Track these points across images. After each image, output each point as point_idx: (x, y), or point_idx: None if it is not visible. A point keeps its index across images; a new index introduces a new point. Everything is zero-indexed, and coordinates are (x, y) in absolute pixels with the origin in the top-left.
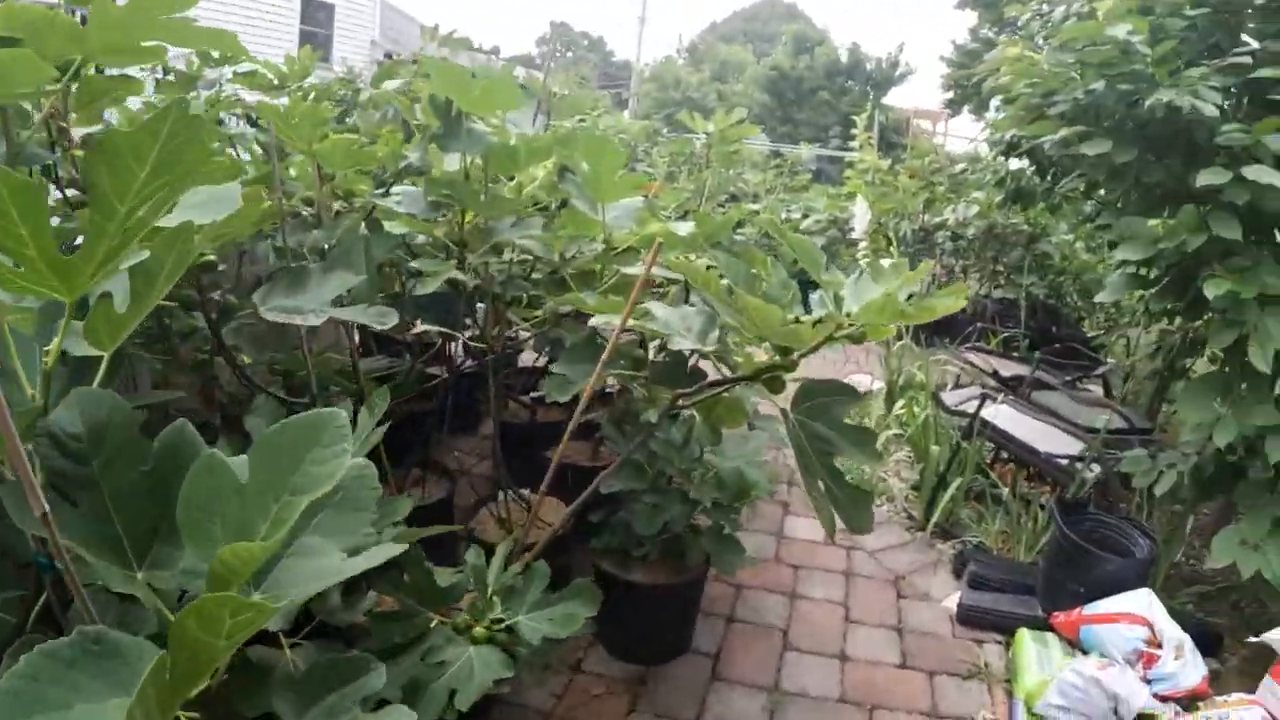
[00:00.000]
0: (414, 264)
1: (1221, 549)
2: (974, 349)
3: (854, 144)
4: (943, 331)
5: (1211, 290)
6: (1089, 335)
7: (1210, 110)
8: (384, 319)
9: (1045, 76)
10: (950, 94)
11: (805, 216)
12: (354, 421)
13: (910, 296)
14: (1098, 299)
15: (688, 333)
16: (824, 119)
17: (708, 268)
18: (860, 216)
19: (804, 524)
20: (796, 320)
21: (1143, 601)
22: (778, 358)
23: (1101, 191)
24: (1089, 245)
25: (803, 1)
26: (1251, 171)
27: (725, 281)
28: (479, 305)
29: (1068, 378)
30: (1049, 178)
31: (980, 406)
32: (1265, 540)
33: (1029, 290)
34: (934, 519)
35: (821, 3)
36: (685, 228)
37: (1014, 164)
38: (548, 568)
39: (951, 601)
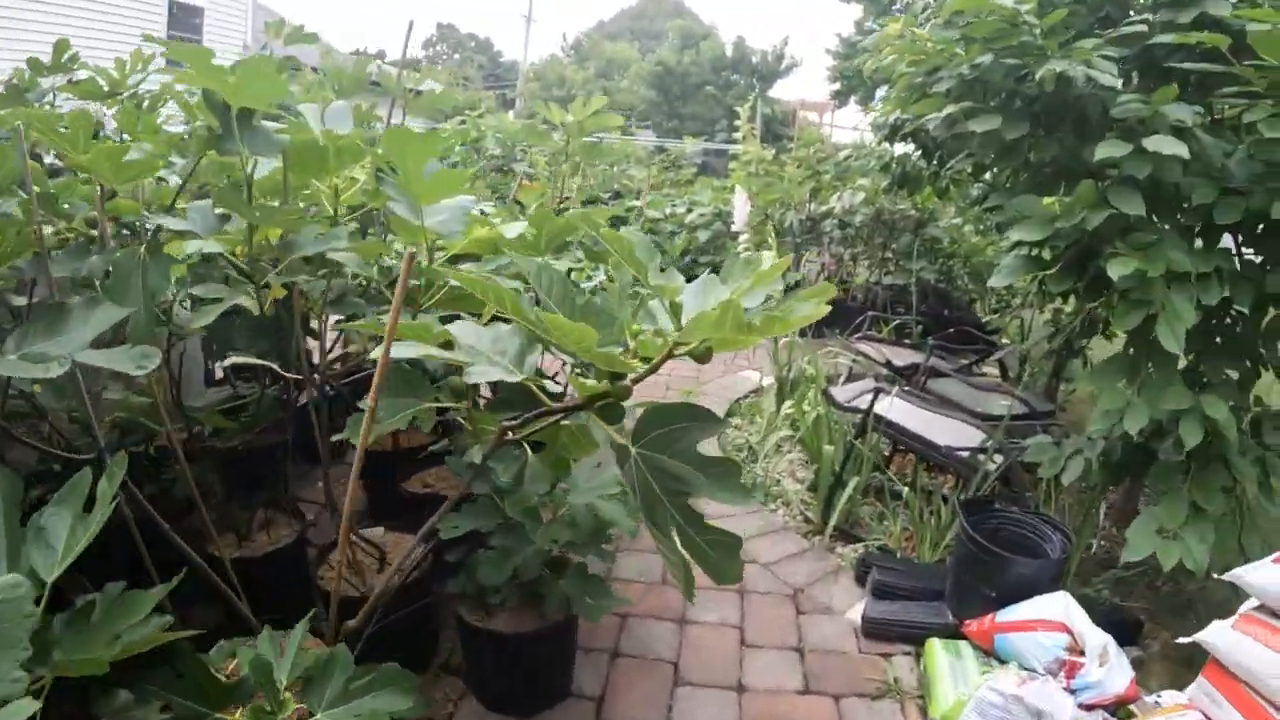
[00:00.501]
0: (196, 290)
1: (1138, 540)
2: (866, 338)
3: (738, 136)
4: (834, 321)
5: (1116, 270)
6: (982, 318)
7: (1108, 80)
8: (145, 362)
9: (929, 54)
10: (836, 85)
11: (690, 211)
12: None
13: (768, 299)
14: (990, 283)
15: (500, 357)
16: (710, 113)
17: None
18: (740, 208)
19: None
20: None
21: (1059, 606)
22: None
23: (990, 173)
24: (977, 228)
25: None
26: (1152, 142)
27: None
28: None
29: (964, 362)
30: (935, 160)
31: (874, 401)
32: (1184, 528)
33: (919, 275)
34: (832, 522)
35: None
36: (515, 229)
37: (900, 148)
38: (349, 654)
39: (855, 613)
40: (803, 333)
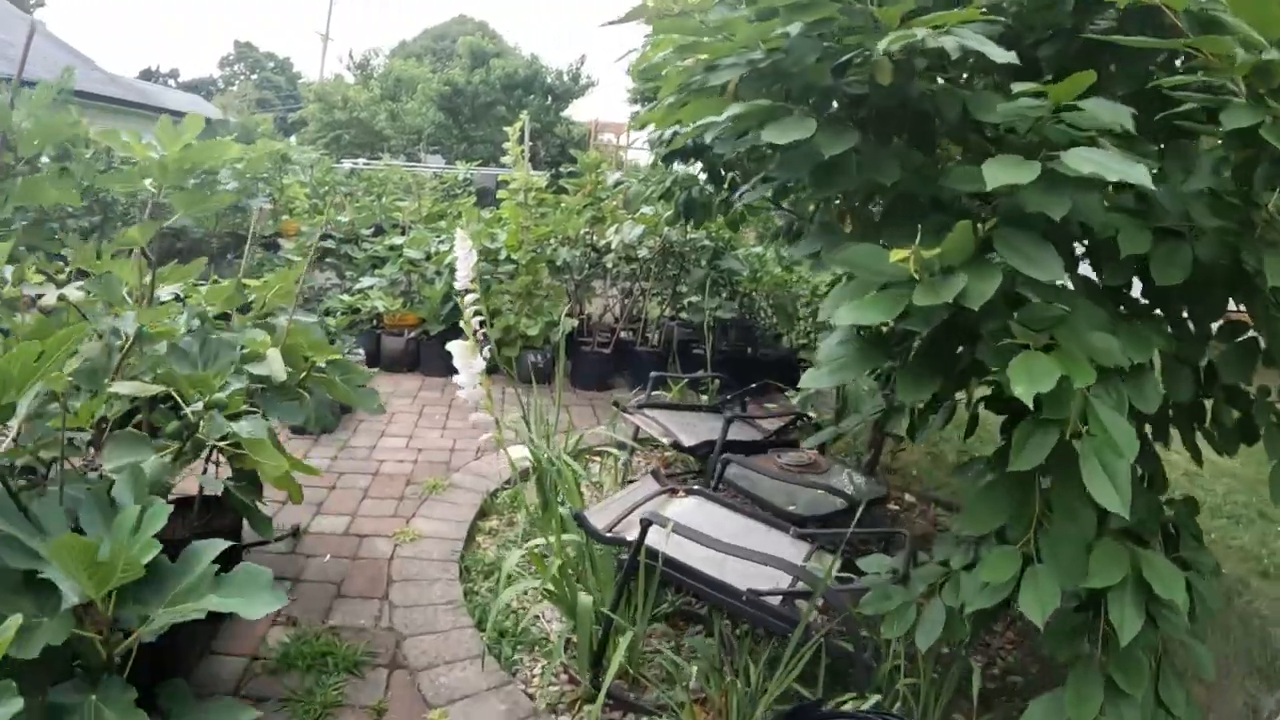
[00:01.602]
0: None
1: None
2: (648, 407)
3: (506, 160)
4: (624, 367)
5: (1022, 381)
6: (790, 350)
7: (999, 53)
8: None
9: (706, 33)
10: (637, 107)
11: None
12: None
13: None
14: (804, 382)
15: None
16: (501, 136)
17: None
18: (463, 259)
19: None
20: None
21: None
22: None
23: (794, 197)
24: (780, 258)
25: (495, 20)
26: (1080, 158)
27: None
28: None
29: (770, 428)
30: (726, 185)
31: (642, 535)
32: None
33: (714, 315)
34: (605, 687)
35: (513, 21)
36: None
37: (684, 170)
38: None
39: None
40: (584, 385)
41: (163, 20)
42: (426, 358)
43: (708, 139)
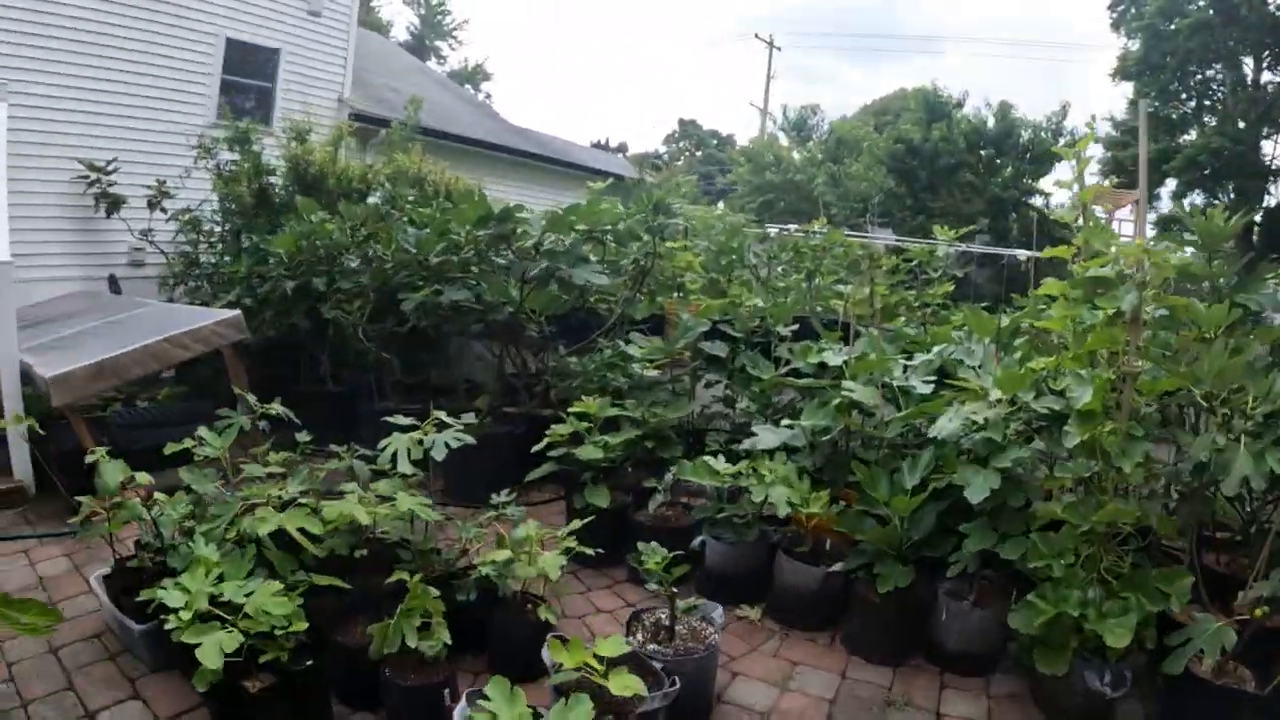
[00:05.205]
0: None
1: None
2: None
3: (1061, 205)
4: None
5: None
6: None
7: None
8: None
9: None
10: (1113, 178)
11: (947, 401)
12: None
13: None
14: None
15: None
16: (968, 207)
17: None
18: None
19: None
20: None
21: None
22: None
23: None
24: None
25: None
26: None
27: None
28: None
29: None
30: None
31: None
32: None
33: None
34: None
35: (957, 90)
36: None
37: None
38: None
39: None
40: None
41: (620, 101)
42: (866, 614)
43: None
